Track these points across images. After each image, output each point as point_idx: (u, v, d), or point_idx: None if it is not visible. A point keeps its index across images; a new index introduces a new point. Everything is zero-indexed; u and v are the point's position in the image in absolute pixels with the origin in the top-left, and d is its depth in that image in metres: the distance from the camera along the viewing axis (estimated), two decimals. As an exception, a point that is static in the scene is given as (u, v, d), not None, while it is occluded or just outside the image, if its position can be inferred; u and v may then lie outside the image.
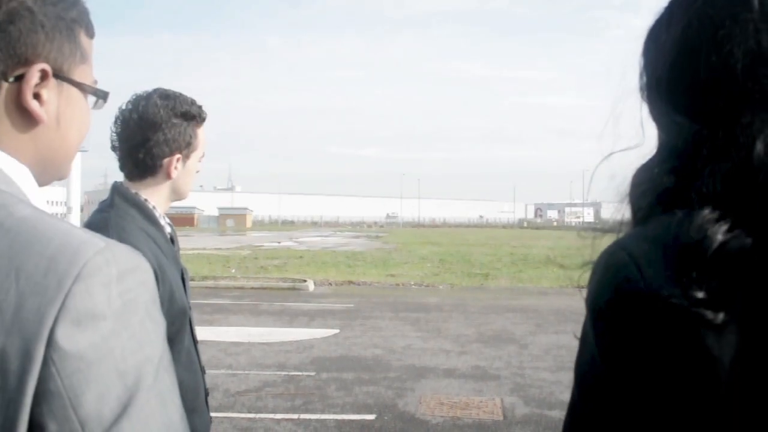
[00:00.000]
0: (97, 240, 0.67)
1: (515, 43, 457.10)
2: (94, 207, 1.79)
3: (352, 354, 7.45)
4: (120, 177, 1.75)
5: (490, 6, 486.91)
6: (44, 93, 0.74)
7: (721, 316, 0.60)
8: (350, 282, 14.96)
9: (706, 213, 0.64)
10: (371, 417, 5.16)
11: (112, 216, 1.62)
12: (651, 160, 0.76)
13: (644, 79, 0.76)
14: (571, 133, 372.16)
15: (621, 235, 0.73)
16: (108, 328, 0.63)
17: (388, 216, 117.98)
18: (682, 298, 0.61)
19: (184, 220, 66.67)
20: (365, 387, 5.96)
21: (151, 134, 1.67)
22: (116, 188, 1.71)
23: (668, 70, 0.71)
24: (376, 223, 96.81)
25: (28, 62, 0.73)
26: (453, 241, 38.10)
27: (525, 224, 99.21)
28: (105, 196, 1.74)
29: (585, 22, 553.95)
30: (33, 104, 0.73)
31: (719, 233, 0.62)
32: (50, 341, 0.60)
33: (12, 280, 0.62)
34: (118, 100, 1.65)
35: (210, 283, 13.75)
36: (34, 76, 0.73)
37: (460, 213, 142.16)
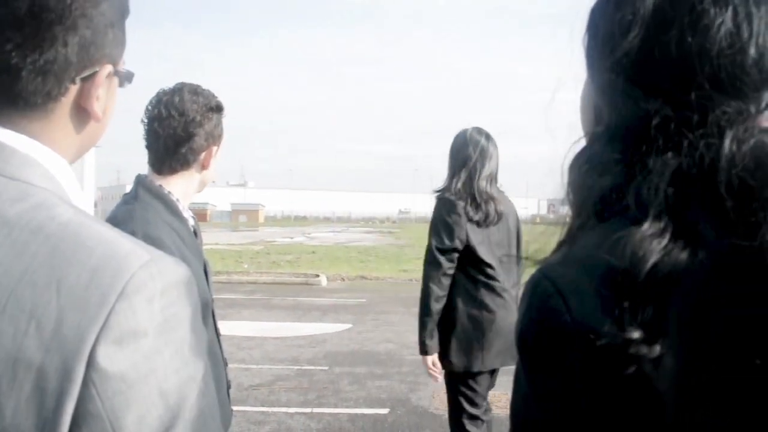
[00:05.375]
0: (142, 251, 0.64)
1: (530, 38, 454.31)
2: (108, 203, 1.81)
3: (364, 348, 7.46)
4: (134, 171, 1.77)
5: (505, 2, 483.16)
6: (101, 91, 0.72)
7: (657, 348, 0.53)
8: (363, 277, 14.94)
9: (645, 227, 0.55)
10: (384, 411, 5.17)
11: (137, 208, 1.64)
12: (590, 147, 0.67)
13: (602, 50, 0.67)
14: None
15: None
16: (149, 345, 0.60)
17: (400, 212, 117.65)
18: (614, 335, 0.54)
19: (197, 215, 66.59)
20: (378, 381, 5.97)
21: (194, 129, 1.70)
22: (140, 181, 1.72)
23: (636, 44, 0.63)
24: (388, 218, 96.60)
25: (95, 63, 0.70)
26: (465, 236, 37.87)
27: (537, 220, 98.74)
28: (118, 191, 1.76)
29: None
30: (96, 106, 0.72)
31: (655, 252, 0.54)
32: (90, 361, 0.58)
33: (53, 291, 0.59)
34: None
35: (223, 278, 13.79)
36: (102, 78, 0.71)
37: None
